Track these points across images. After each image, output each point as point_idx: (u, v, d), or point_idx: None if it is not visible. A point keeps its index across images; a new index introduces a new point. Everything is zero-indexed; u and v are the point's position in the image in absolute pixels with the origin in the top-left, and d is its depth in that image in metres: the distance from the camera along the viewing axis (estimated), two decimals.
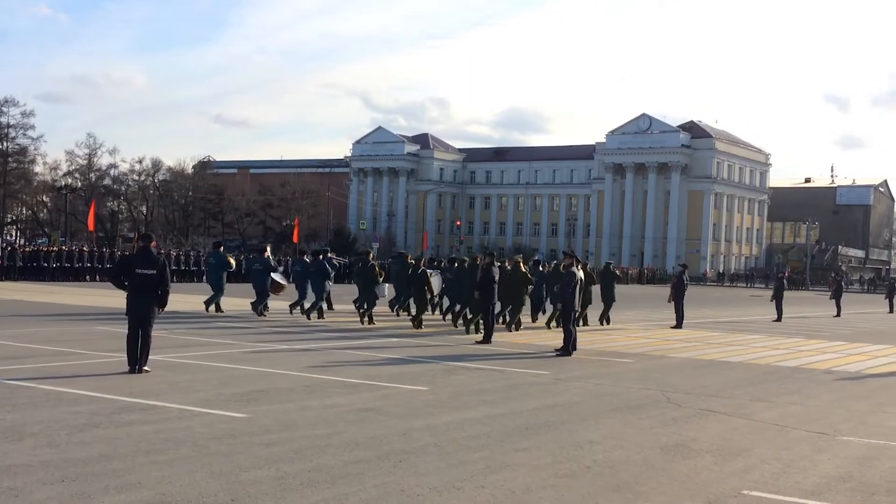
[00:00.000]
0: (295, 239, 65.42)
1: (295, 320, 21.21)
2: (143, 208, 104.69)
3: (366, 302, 21.10)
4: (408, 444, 7.98)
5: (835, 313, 34.66)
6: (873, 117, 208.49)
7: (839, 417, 10.48)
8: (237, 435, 8.04)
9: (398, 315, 23.60)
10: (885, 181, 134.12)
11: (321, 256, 23.12)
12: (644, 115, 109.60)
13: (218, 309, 22.47)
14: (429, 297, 21.79)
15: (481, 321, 18.60)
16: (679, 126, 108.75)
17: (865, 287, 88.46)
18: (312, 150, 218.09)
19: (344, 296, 26.67)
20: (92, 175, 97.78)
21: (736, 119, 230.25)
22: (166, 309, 12.26)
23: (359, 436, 8.22)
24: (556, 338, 17.64)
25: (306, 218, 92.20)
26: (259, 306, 22.10)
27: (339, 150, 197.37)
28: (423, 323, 20.76)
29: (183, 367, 12.39)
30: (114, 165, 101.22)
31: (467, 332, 19.58)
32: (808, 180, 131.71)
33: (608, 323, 23.79)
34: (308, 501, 6.10)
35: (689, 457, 7.98)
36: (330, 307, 23.50)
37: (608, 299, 24.03)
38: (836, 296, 36.32)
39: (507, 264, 22.00)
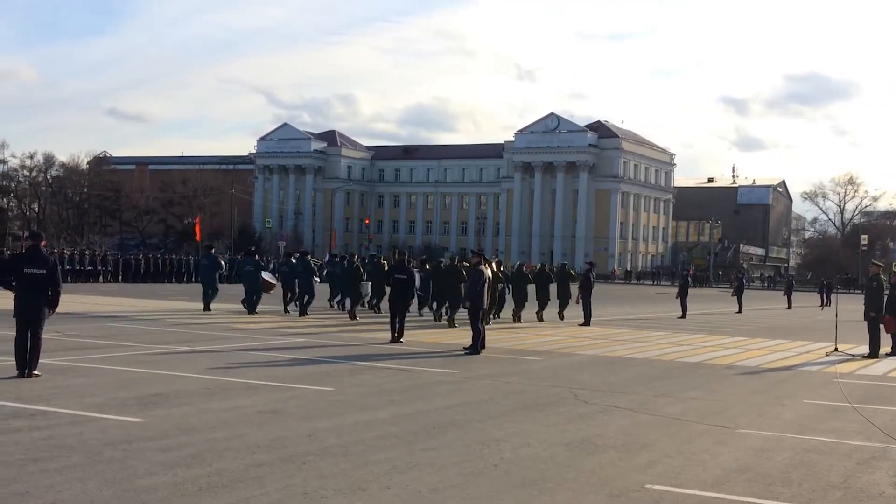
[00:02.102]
0: (198, 237, 63.92)
1: (285, 318, 22.64)
2: (35, 206, 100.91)
3: (349, 299, 23.75)
4: (312, 445, 7.82)
5: (736, 310, 35.59)
6: (771, 120, 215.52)
7: (739, 411, 10.68)
8: (132, 440, 7.75)
9: (378, 311, 25.34)
10: (783, 181, 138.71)
11: (308, 257, 25.68)
12: (552, 114, 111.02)
13: (207, 308, 23.82)
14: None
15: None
16: (586, 126, 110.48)
17: (765, 284, 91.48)
18: (214, 147, 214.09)
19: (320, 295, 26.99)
20: None
21: (641, 120, 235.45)
22: (58, 310, 11.80)
23: (261, 438, 8.01)
24: (465, 336, 17.62)
25: (209, 216, 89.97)
26: (250, 305, 23.65)
27: (242, 146, 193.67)
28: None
29: (76, 371, 11.92)
30: (2, 161, 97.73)
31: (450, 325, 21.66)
32: (710, 180, 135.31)
33: (562, 319, 25.49)
34: None
35: (595, 452, 8.01)
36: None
37: (563, 297, 26.06)
38: (738, 293, 37.35)
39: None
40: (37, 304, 11.32)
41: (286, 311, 24.14)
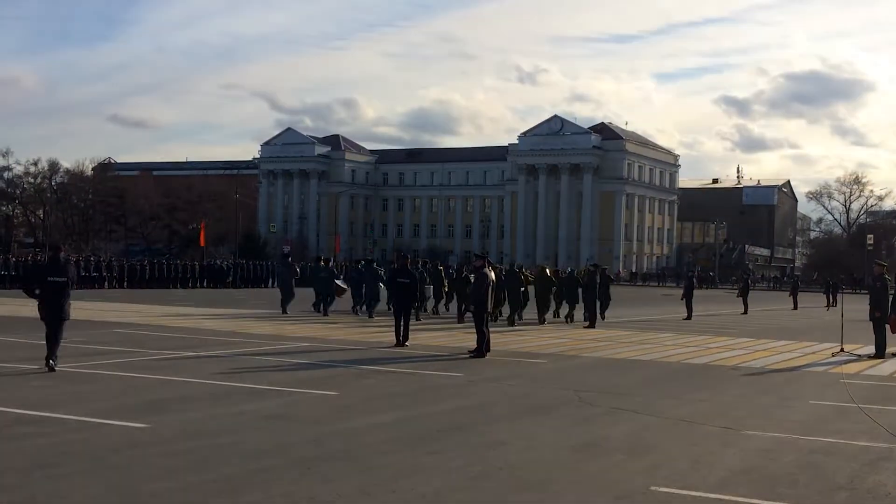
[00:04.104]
0: (202, 243, 63.77)
1: (356, 319, 24.41)
2: (40, 212, 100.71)
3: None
4: (317, 450, 7.82)
5: (742, 311, 35.50)
6: (773, 120, 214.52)
7: (745, 412, 10.66)
8: (137, 446, 7.76)
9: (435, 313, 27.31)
10: (788, 182, 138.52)
11: (374, 264, 27.86)
12: (556, 116, 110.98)
13: (284, 311, 25.69)
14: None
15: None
16: (590, 128, 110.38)
17: (771, 285, 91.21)
18: (217, 152, 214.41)
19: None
20: None
21: (645, 121, 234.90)
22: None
23: (265, 443, 8.01)
24: (470, 339, 17.59)
25: (213, 221, 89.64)
26: (322, 306, 25.84)
27: (245, 151, 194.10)
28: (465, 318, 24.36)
29: (82, 377, 11.96)
30: (7, 168, 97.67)
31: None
32: (715, 181, 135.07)
33: (599, 320, 25.77)
34: None
35: (600, 455, 8.00)
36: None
37: (604, 299, 27.01)
38: (744, 294, 37.19)
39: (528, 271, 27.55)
40: (59, 310, 12.35)
41: (354, 311, 26.17)
